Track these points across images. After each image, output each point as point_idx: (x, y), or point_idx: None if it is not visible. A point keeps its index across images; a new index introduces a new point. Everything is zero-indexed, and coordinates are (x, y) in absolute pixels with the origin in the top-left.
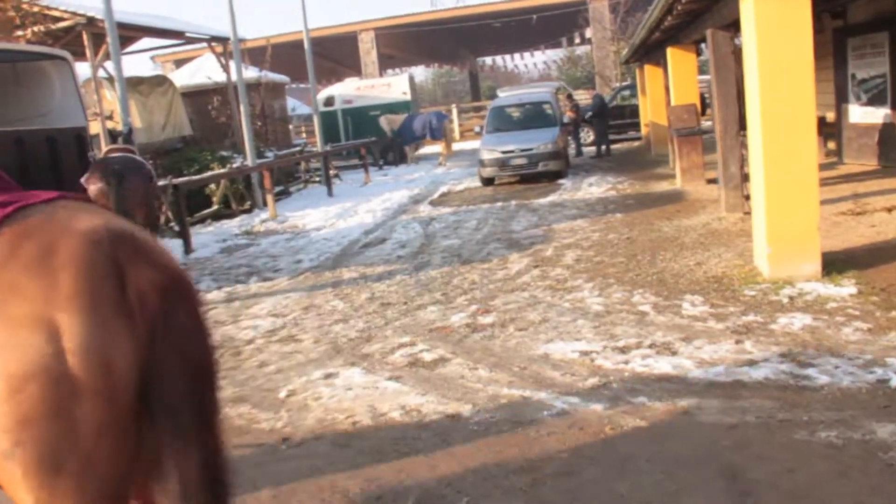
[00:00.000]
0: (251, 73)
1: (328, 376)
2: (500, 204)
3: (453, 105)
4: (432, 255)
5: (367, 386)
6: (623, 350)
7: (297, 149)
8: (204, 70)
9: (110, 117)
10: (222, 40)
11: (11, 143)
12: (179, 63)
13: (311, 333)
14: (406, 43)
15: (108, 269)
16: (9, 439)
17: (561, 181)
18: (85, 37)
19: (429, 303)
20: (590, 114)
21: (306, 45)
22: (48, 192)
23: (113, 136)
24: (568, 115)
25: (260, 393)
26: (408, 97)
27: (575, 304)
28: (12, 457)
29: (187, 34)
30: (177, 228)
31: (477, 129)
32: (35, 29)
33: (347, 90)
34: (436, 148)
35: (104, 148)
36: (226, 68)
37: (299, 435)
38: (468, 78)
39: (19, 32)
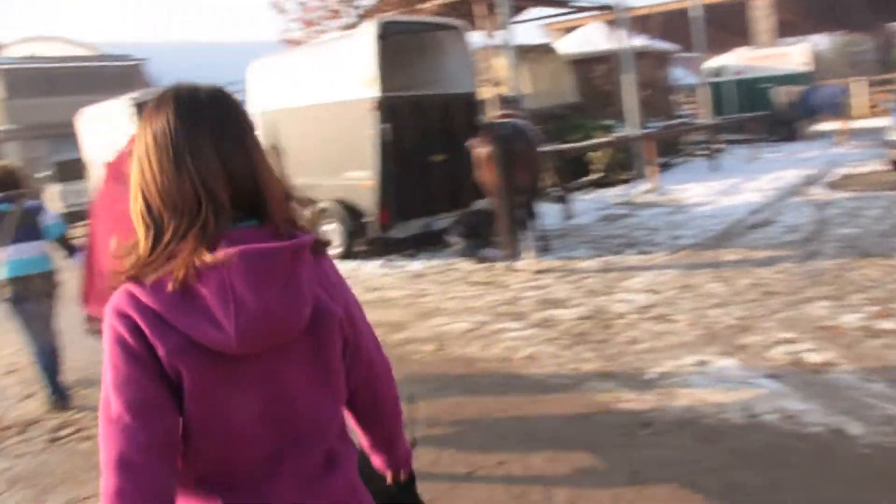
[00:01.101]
0: (638, 41)
1: (701, 364)
2: None
3: (859, 77)
4: (825, 244)
5: (741, 380)
6: None
7: (682, 120)
8: (591, 39)
9: (500, 83)
10: (610, 9)
11: (410, 107)
12: (568, 31)
13: (686, 315)
14: (809, 8)
15: None
16: None
17: None
18: (477, 8)
19: (817, 297)
20: None
21: (695, 13)
22: None
23: (502, 102)
24: None
25: (627, 371)
26: (807, 68)
27: None
28: None
29: (575, 3)
30: (558, 194)
31: (885, 104)
32: (437, 2)
33: (737, 60)
34: (832, 125)
35: (493, 113)
36: (613, 36)
37: (662, 422)
38: (879, 47)
39: (420, 6)
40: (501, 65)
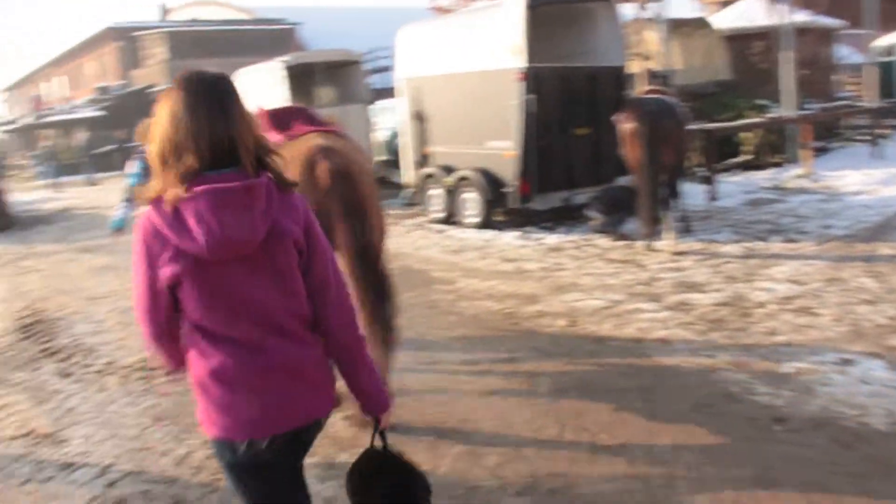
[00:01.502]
0: (800, 16)
1: (843, 362)
2: None
3: None
4: None
5: (887, 384)
6: None
7: (843, 102)
8: (748, 13)
9: (650, 58)
10: None
11: (557, 79)
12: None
13: (832, 310)
14: None
15: (310, 162)
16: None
17: None
18: None
19: None
20: None
21: None
22: (309, 124)
23: (651, 76)
24: None
25: (763, 363)
26: None
27: None
28: None
29: None
30: (704, 174)
31: None
32: None
33: None
34: None
35: (641, 88)
36: (773, 11)
37: (797, 420)
38: None
39: None
40: (652, 38)
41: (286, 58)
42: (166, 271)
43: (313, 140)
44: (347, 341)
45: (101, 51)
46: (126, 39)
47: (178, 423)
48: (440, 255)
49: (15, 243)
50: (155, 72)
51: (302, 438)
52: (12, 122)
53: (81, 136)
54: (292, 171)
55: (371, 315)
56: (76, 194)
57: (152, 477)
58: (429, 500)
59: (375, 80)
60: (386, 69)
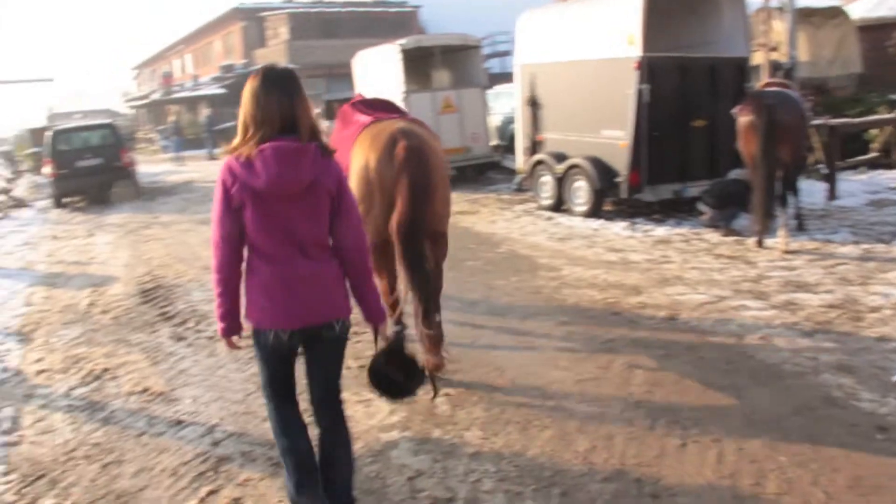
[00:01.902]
0: None
1: None
2: None
3: None
4: None
5: None
6: None
7: None
8: (889, 1)
9: (776, 49)
10: None
11: (674, 69)
12: None
13: None
14: None
15: (391, 140)
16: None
17: None
18: None
19: None
20: None
21: None
22: (394, 113)
23: (775, 68)
24: None
25: (870, 369)
26: None
27: None
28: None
29: None
30: (824, 171)
31: None
32: None
33: None
34: None
35: (763, 80)
36: None
37: None
38: None
39: None
40: (780, 28)
41: (403, 41)
42: (235, 196)
43: (397, 123)
44: (358, 260)
45: (227, 30)
46: (251, 20)
47: None
48: (547, 241)
49: (140, 212)
50: (277, 52)
51: (314, 335)
52: (142, 97)
53: (204, 112)
54: (377, 145)
55: (433, 263)
56: (197, 168)
57: (254, 439)
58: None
59: (493, 65)
60: (504, 54)
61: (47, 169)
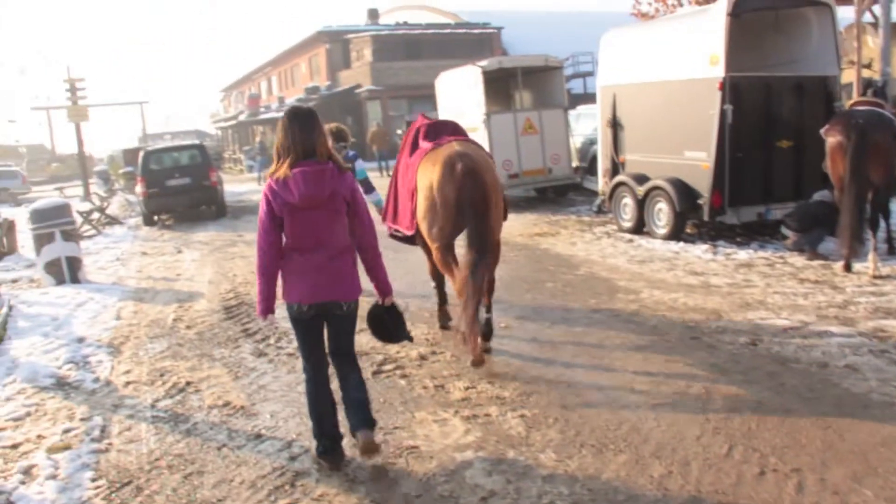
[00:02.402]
0: None
1: None
2: None
3: None
4: None
5: None
6: None
7: None
8: None
9: (868, 66)
10: None
11: (758, 88)
12: None
13: None
14: None
15: (450, 163)
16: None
17: None
18: None
19: None
20: None
21: None
22: (454, 136)
23: (866, 86)
24: None
25: None
26: None
27: None
28: (421, 217)
29: None
30: None
31: None
32: None
33: None
34: None
35: (853, 99)
36: None
37: None
38: None
39: None
40: (872, 44)
41: (484, 62)
42: (276, 209)
43: (454, 146)
44: (370, 249)
45: (312, 52)
46: (335, 42)
47: None
48: (626, 264)
49: (226, 230)
50: (360, 73)
51: (330, 309)
52: (229, 118)
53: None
54: (437, 168)
55: (469, 269)
56: None
57: None
58: (404, 338)
59: (575, 86)
60: (586, 74)
61: (139, 188)
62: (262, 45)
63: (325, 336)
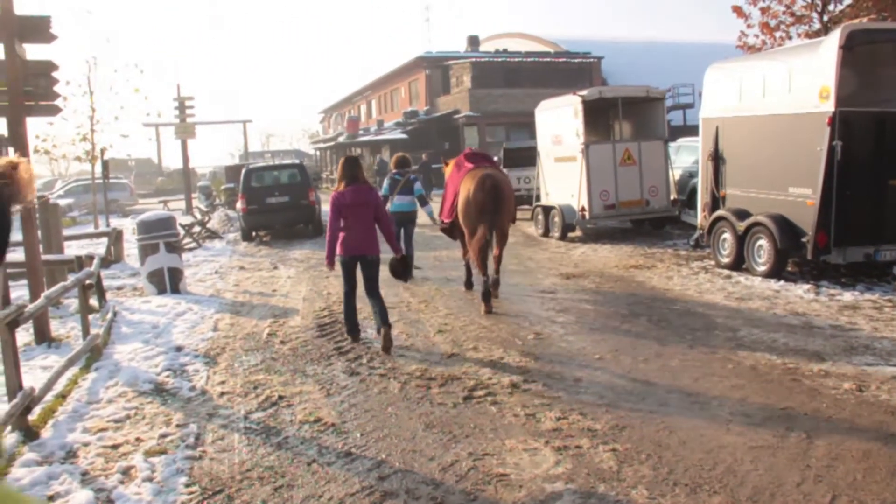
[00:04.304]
0: None
1: None
2: None
3: None
4: None
5: None
6: None
7: None
8: None
9: None
10: None
11: (871, 124)
12: None
13: None
14: None
15: (482, 179)
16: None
17: None
18: None
19: None
20: None
21: None
22: (486, 162)
23: None
24: None
25: None
26: None
27: None
28: (460, 211)
29: None
30: None
31: None
32: None
33: None
34: None
35: None
36: None
37: None
38: None
39: None
40: None
41: (584, 92)
42: (339, 208)
43: (485, 170)
44: (386, 232)
45: (412, 77)
46: (435, 68)
47: (449, 432)
48: (724, 300)
49: (322, 249)
50: (458, 99)
51: (363, 258)
52: (328, 139)
53: (386, 156)
54: (473, 182)
55: (498, 248)
56: None
57: (419, 478)
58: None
59: (674, 118)
60: (687, 106)
61: (240, 204)
62: (363, 69)
63: (357, 275)
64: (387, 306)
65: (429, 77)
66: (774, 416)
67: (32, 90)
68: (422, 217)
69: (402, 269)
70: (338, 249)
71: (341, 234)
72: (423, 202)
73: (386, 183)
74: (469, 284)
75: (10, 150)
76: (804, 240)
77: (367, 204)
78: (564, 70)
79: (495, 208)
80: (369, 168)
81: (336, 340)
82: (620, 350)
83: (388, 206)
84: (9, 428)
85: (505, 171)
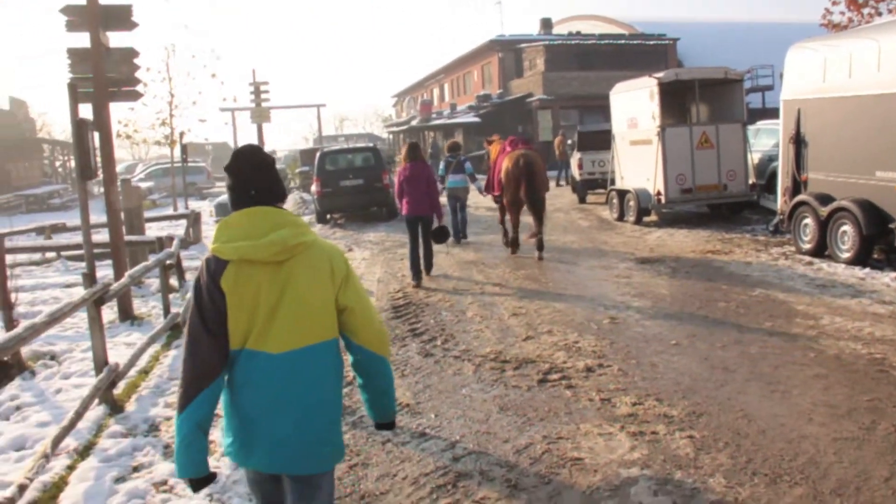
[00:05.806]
0: None
1: None
2: None
3: None
4: None
5: None
6: None
7: None
8: None
9: None
10: None
11: None
12: None
13: None
14: None
15: (517, 158)
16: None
17: None
18: None
19: None
20: None
21: None
22: (524, 145)
23: None
24: None
25: None
26: None
27: None
28: (503, 185)
29: None
30: None
31: None
32: None
33: None
34: None
35: None
36: None
37: None
38: None
39: None
40: None
41: (660, 74)
42: (402, 179)
43: (521, 151)
44: (434, 200)
45: (485, 61)
46: (508, 51)
47: (523, 415)
48: (805, 287)
49: (395, 232)
50: (532, 82)
51: (421, 217)
52: (401, 123)
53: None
54: (512, 160)
55: (536, 218)
56: None
57: (493, 460)
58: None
59: (752, 100)
60: (766, 88)
61: (314, 186)
62: (436, 53)
63: (419, 231)
64: (461, 288)
65: (501, 60)
66: (860, 408)
67: (115, 77)
68: (477, 198)
69: (439, 234)
70: (403, 210)
71: (405, 199)
72: (473, 178)
73: (442, 164)
74: (508, 242)
75: (96, 134)
76: (892, 226)
77: (420, 177)
78: (639, 52)
79: (528, 179)
80: (426, 150)
81: (410, 322)
82: (697, 336)
83: (445, 184)
84: (96, 401)
85: (578, 154)
